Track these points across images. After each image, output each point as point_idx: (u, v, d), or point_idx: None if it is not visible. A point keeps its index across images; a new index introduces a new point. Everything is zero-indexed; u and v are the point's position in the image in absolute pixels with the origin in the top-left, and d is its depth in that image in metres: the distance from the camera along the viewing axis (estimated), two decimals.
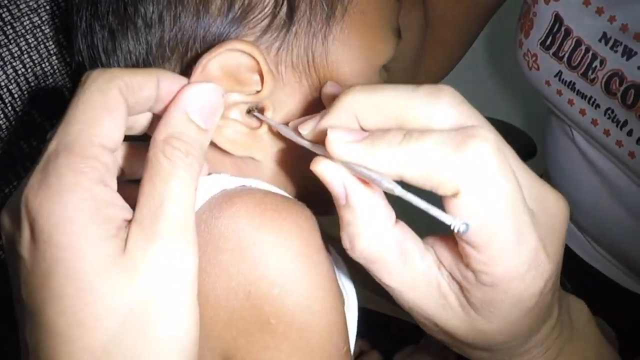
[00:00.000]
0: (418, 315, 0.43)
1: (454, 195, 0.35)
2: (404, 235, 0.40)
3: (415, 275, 0.40)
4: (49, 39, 0.58)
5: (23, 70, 0.56)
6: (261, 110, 0.46)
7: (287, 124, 0.45)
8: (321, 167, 0.39)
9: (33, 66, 0.57)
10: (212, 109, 0.40)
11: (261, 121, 0.46)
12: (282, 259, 0.42)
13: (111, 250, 0.34)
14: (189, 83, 0.41)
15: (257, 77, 0.45)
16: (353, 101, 0.38)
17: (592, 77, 0.75)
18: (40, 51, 0.57)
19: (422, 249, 0.41)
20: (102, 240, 0.34)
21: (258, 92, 0.45)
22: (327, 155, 0.39)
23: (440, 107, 0.36)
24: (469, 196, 0.35)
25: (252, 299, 0.41)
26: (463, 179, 0.34)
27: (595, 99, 0.76)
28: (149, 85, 0.39)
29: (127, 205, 0.37)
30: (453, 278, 0.40)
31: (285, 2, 0.45)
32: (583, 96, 0.78)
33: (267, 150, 0.47)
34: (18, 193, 0.36)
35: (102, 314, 0.34)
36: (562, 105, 0.81)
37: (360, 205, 0.39)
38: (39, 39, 0.57)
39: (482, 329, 0.41)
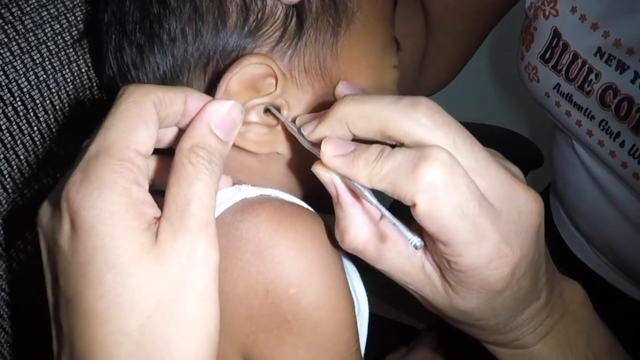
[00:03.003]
0: (411, 292, 0.48)
1: (413, 206, 0.40)
2: (390, 226, 0.45)
3: (402, 259, 0.45)
4: (69, 47, 0.59)
5: (44, 76, 0.57)
6: (278, 109, 0.49)
7: (294, 120, 0.49)
8: (317, 170, 0.45)
9: (54, 72, 0.58)
10: (232, 123, 0.44)
11: (278, 118, 0.49)
12: (298, 261, 0.45)
13: (145, 240, 0.38)
14: (213, 100, 0.44)
15: (272, 81, 0.48)
16: (344, 111, 0.43)
17: (588, 89, 0.77)
18: (61, 58, 0.59)
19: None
20: (137, 232, 0.38)
21: (272, 93, 0.48)
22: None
23: (416, 118, 0.41)
24: (423, 208, 0.40)
25: (270, 298, 0.44)
26: (417, 194, 0.40)
27: (590, 111, 0.78)
28: (178, 101, 0.42)
29: (156, 205, 0.40)
30: (435, 260, 0.44)
31: (294, 16, 0.48)
32: (579, 108, 0.79)
33: (288, 144, 0.51)
34: (56, 191, 0.40)
35: (138, 298, 0.37)
36: (560, 117, 0.83)
37: (347, 205, 0.45)
38: (60, 46, 0.59)
39: (460, 308, 0.45)
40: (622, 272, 0.91)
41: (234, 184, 0.49)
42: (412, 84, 0.91)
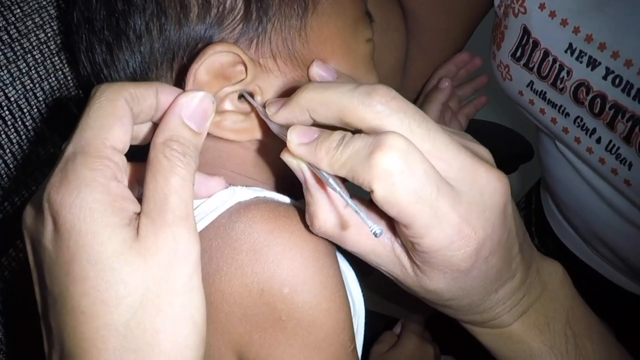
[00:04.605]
0: (384, 273, 0.48)
1: (371, 192, 0.41)
2: (355, 212, 0.45)
3: (372, 241, 0.46)
4: (54, 55, 0.60)
5: (31, 85, 0.58)
6: (251, 95, 0.50)
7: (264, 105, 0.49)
8: (285, 157, 0.46)
9: (40, 81, 0.58)
10: (204, 114, 0.44)
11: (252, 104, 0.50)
12: (292, 260, 0.45)
13: (126, 235, 0.38)
14: (183, 92, 0.44)
15: (242, 67, 0.49)
16: (305, 98, 0.44)
17: (560, 86, 0.77)
18: (47, 66, 0.59)
19: (377, 219, 0.46)
20: (118, 228, 0.38)
21: (243, 80, 0.49)
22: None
23: (371, 105, 0.42)
24: (380, 195, 0.41)
25: (264, 297, 0.45)
26: (373, 181, 0.40)
27: (565, 108, 0.78)
28: (151, 96, 0.43)
29: (136, 200, 0.41)
30: (402, 242, 0.45)
31: (254, 7, 0.49)
32: (553, 105, 0.80)
33: (264, 129, 0.51)
34: (39, 193, 0.40)
35: (122, 293, 0.38)
36: (535, 114, 0.84)
37: (315, 191, 0.45)
38: (45, 55, 0.59)
39: (429, 288, 0.46)
40: (612, 264, 0.92)
41: (228, 185, 0.49)
42: (397, 82, 0.91)
